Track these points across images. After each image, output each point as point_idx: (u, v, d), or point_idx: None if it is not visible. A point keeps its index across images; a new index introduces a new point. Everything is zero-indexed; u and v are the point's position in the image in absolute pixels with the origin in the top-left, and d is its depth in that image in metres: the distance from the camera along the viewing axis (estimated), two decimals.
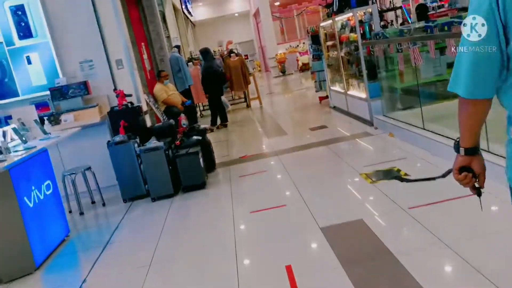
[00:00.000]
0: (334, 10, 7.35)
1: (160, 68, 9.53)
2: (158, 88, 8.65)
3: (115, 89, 5.41)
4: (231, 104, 11.77)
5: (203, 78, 8.44)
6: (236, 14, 27.07)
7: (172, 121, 5.55)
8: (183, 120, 5.55)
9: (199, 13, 24.51)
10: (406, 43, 5.13)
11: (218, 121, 8.81)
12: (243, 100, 11.69)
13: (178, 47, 9.88)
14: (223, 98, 9.04)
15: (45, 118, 4.68)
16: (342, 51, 7.20)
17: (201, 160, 4.85)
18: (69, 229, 4.16)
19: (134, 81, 5.63)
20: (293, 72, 20.70)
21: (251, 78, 11.13)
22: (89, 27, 5.40)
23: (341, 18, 7.07)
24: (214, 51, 12.64)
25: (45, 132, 4.07)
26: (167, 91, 8.69)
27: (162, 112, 7.19)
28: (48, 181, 3.91)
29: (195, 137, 5.19)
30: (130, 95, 5.27)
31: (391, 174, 4.13)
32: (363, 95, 6.49)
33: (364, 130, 6.16)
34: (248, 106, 11.31)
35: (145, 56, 8.81)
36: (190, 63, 10.74)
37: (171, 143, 5.11)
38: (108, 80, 5.54)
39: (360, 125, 6.53)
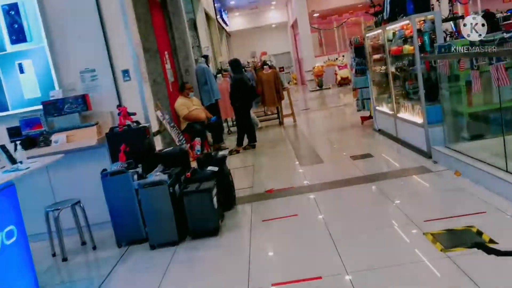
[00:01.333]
0: (385, 17, 6.25)
1: (184, 80, 8.68)
2: (180, 102, 7.78)
3: (118, 106, 4.52)
4: (262, 120, 10.78)
5: (231, 92, 7.50)
6: (274, 25, 26.23)
7: (185, 145, 4.59)
8: (197, 145, 4.57)
9: (235, 23, 23.83)
10: (484, 59, 3.99)
11: (246, 141, 7.81)
12: (276, 115, 10.68)
13: (206, 57, 9.01)
14: (252, 114, 8.05)
15: (18, 142, 3.81)
16: (393, 66, 6.07)
17: (214, 199, 3.85)
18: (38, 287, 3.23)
19: (143, 96, 4.72)
20: (330, 86, 19.56)
21: (285, 92, 10.13)
22: (92, 31, 4.55)
23: (393, 27, 5.96)
24: (248, 62, 11.67)
25: (13, 161, 3.18)
26: (190, 105, 7.81)
27: (180, 132, 6.25)
28: (11, 227, 3.00)
29: (210, 168, 4.20)
30: (133, 114, 4.35)
31: (470, 239, 2.98)
32: (419, 119, 5.34)
33: (419, 163, 5.00)
34: (281, 123, 10.28)
35: (168, 66, 7.97)
36: (219, 75, 9.85)
37: (181, 175, 4.14)
38: (112, 94, 4.66)
39: (413, 156, 5.37)
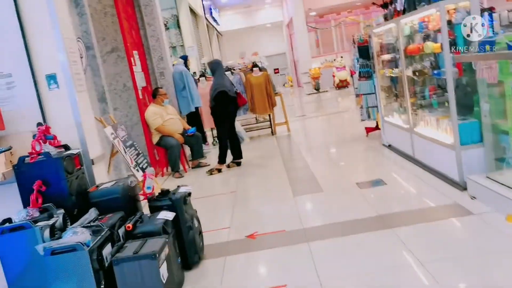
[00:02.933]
0: (398, 8, 5.01)
1: (159, 85, 7.43)
2: (151, 111, 6.52)
3: (39, 124, 3.26)
4: (250, 130, 9.53)
5: (210, 100, 6.25)
6: (268, 25, 25.00)
7: (132, 179, 3.32)
8: (149, 179, 3.30)
9: (227, 22, 22.55)
10: None
11: (229, 158, 6.56)
12: (268, 122, 9.44)
13: (184, 58, 7.74)
14: (238, 127, 6.80)
15: None
16: (409, 69, 4.84)
17: (163, 266, 2.59)
18: None
19: (76, 109, 3.45)
20: (328, 89, 18.34)
21: (277, 98, 8.89)
22: (4, 24, 3.30)
23: (410, 20, 4.73)
24: (239, 64, 10.30)
25: None
26: (163, 115, 6.55)
27: (141, 153, 4.97)
28: None
29: (162, 216, 2.94)
30: (51, 138, 3.09)
31: None
32: (447, 138, 4.10)
33: (451, 198, 3.76)
34: (273, 133, 9.04)
35: (137, 68, 6.71)
36: (203, 78, 8.60)
37: (121, 225, 2.88)
38: (34, 107, 3.40)
39: (440, 185, 4.13)
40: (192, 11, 12.94)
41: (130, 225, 2.84)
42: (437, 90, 4.48)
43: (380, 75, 6.02)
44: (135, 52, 6.73)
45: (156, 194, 3.27)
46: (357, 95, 7.18)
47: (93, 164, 3.49)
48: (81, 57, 4.50)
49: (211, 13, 17.53)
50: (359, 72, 6.90)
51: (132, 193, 3.23)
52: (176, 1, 11.12)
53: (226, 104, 6.20)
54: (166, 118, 6.55)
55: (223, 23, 22.14)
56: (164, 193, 3.22)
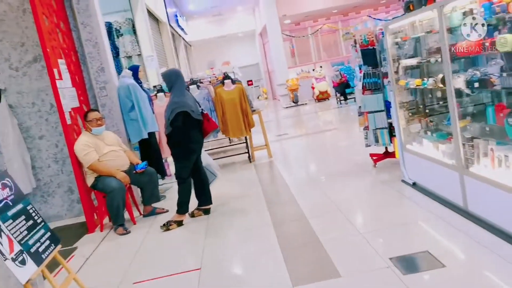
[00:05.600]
0: None
1: (100, 104, 5.60)
2: (81, 142, 4.66)
3: None
4: (222, 156, 7.77)
5: (166, 125, 4.46)
6: (240, 34, 23.39)
7: None
8: None
9: (196, 31, 20.80)
10: None
11: (194, 203, 4.77)
12: (243, 143, 7.71)
13: (134, 69, 5.90)
14: (207, 158, 5.01)
15: None
16: (460, 77, 3.20)
17: None
18: None
19: None
20: (307, 101, 16.82)
21: (255, 115, 7.19)
22: None
23: (465, 2, 3.11)
24: (208, 75, 8.42)
25: None
26: (100, 147, 4.73)
27: (34, 230, 3.10)
28: None
29: None
30: None
31: None
32: None
33: None
34: (251, 159, 7.31)
35: (64, 84, 4.90)
36: (161, 94, 6.79)
37: None
38: None
39: None
40: (152, 15, 11.16)
41: None
42: None
43: (398, 87, 4.39)
44: (60, 62, 4.89)
45: None
46: (361, 114, 5.55)
47: None
48: None
49: (176, 21, 15.75)
50: (363, 84, 5.28)
51: None
52: (131, 2, 9.33)
53: (187, 130, 4.43)
54: (105, 150, 4.73)
55: (192, 32, 20.38)
56: None
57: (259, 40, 22.42)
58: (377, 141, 5.32)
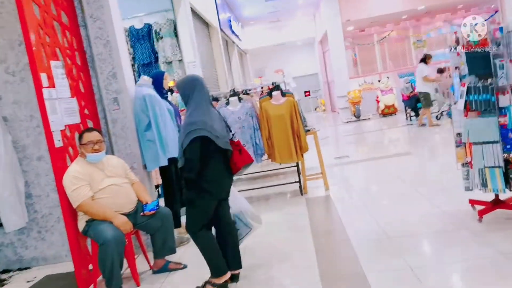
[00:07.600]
0: None
1: (110, 119, 4.41)
2: (70, 173, 3.38)
3: None
4: (266, 184, 6.31)
5: (179, 156, 3.14)
6: (299, 42, 21.99)
7: None
8: None
9: (251, 38, 19.67)
10: None
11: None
12: (294, 166, 6.22)
13: (156, 76, 4.64)
14: (236, 200, 3.60)
15: None
16: None
17: None
18: None
19: None
20: (370, 116, 15.00)
21: (309, 136, 5.73)
22: None
23: None
24: (257, 86, 6.95)
25: None
26: (96, 179, 3.47)
27: None
28: None
29: None
30: None
31: None
32: None
33: None
34: (302, 192, 5.83)
35: (53, 94, 3.73)
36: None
37: None
38: None
39: None
40: (200, 18, 10.06)
41: None
42: None
43: None
44: (54, 64, 3.72)
45: None
46: (459, 145, 3.90)
47: None
48: None
49: (230, 26, 14.63)
50: (466, 102, 3.66)
51: None
52: (173, 0, 8.23)
53: (206, 164, 3.07)
54: (103, 184, 3.46)
55: (247, 39, 19.28)
56: None
57: (318, 48, 20.88)
58: (484, 184, 3.66)
